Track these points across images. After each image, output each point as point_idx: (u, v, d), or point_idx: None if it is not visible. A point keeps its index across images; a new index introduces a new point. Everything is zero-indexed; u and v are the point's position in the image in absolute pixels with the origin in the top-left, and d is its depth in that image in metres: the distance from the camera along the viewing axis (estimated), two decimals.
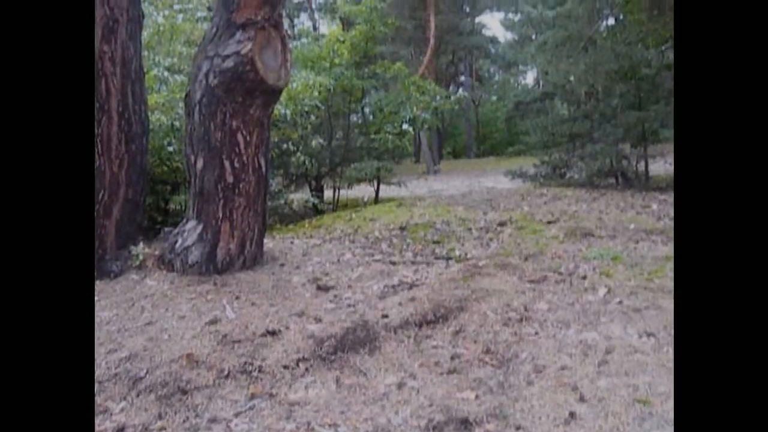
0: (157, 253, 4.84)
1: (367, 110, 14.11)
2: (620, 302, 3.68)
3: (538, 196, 9.32)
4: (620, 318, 3.41)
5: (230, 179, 4.59)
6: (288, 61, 4.47)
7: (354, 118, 13.42)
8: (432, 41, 27.50)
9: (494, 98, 45.44)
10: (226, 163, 4.55)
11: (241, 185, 4.63)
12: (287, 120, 9.28)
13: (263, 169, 4.76)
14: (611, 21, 19.59)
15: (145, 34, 7.53)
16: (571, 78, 13.18)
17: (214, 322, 3.60)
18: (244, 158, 4.59)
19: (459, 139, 42.65)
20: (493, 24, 69.24)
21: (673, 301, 3.52)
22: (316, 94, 9.90)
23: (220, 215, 4.65)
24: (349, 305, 3.91)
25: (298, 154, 9.92)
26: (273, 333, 3.38)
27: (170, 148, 7.36)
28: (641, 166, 11.65)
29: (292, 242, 6.21)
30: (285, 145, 9.78)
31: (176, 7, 10.90)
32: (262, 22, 4.30)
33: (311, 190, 11.71)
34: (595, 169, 11.09)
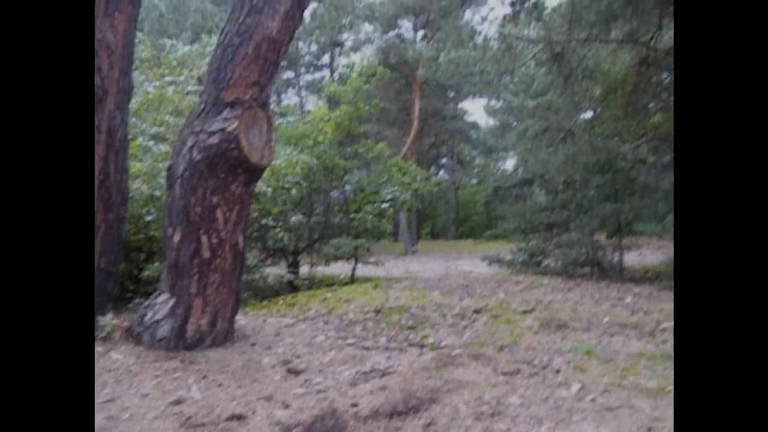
0: (125, 324, 4.71)
1: (348, 188, 14.25)
2: (593, 400, 3.62)
3: (514, 284, 9.34)
4: (593, 417, 3.35)
5: (206, 254, 4.55)
6: (272, 141, 4.54)
7: (335, 193, 13.53)
8: (415, 123, 28.24)
9: (474, 182, 46.32)
10: (204, 238, 4.52)
11: (217, 261, 4.58)
12: (268, 195, 9.33)
13: (240, 246, 4.73)
14: (589, 114, 20.35)
15: (133, 102, 7.64)
16: (550, 167, 13.50)
17: (178, 402, 3.46)
18: (222, 234, 4.56)
19: (438, 220, 43.11)
20: (475, 110, 71.65)
21: (647, 400, 3.49)
22: (298, 171, 10.02)
23: (194, 290, 4.57)
24: (319, 391, 3.80)
25: (277, 229, 9.91)
26: (239, 417, 3.25)
27: (148, 218, 7.32)
28: (616, 257, 11.81)
29: (264, 320, 6.10)
30: (264, 220, 9.78)
31: (167, 78, 11.10)
32: (249, 101, 4.38)
33: (288, 266, 11.64)
34: (571, 258, 11.22)
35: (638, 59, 11.55)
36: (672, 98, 15.37)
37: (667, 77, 13.48)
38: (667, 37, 11.94)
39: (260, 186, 8.37)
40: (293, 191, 10.89)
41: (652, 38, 10.93)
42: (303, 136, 11.98)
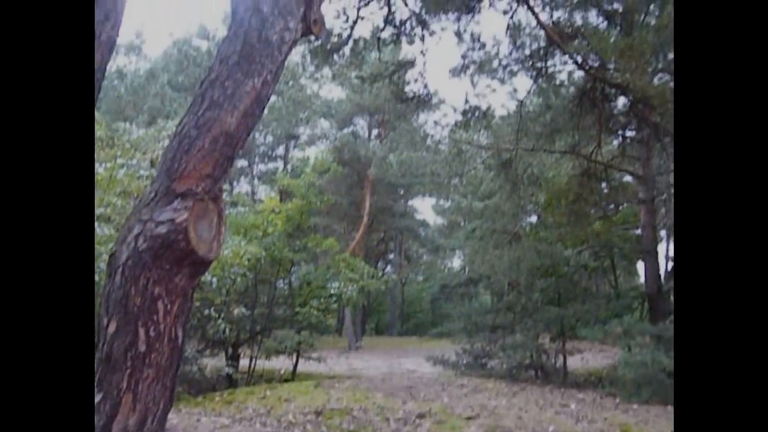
0: None
1: (294, 280, 14.08)
2: None
3: (458, 387, 9.19)
4: None
5: (142, 348, 4.32)
6: (222, 234, 4.46)
7: (281, 284, 13.33)
8: (365, 219, 28.53)
9: (421, 279, 46.55)
10: (141, 331, 4.30)
11: (152, 356, 4.35)
12: (212, 285, 9.10)
13: (179, 340, 4.52)
14: (534, 219, 21.03)
15: None
16: (496, 269, 13.73)
17: None
18: (161, 327, 4.36)
19: (383, 315, 42.73)
20: (424, 208, 72.92)
21: None
22: (245, 261, 9.87)
23: (124, 386, 4.29)
24: None
25: (219, 321, 9.60)
26: None
27: None
28: (560, 361, 11.85)
29: (198, 420, 5.77)
30: (206, 311, 9.49)
31: (119, 161, 10.98)
32: (201, 194, 4.34)
33: (227, 358, 11.19)
34: (516, 361, 11.21)
35: (580, 170, 12.14)
36: (610, 207, 16.09)
37: (606, 188, 14.16)
38: (606, 151, 12.64)
39: (205, 276, 8.17)
40: (238, 281, 10.67)
41: (592, 152, 11.56)
42: (253, 227, 11.89)
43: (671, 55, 12.08)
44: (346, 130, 31.41)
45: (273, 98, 27.99)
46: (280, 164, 35.20)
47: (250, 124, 4.69)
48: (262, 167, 36.99)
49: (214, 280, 8.88)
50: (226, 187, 7.31)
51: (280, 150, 36.26)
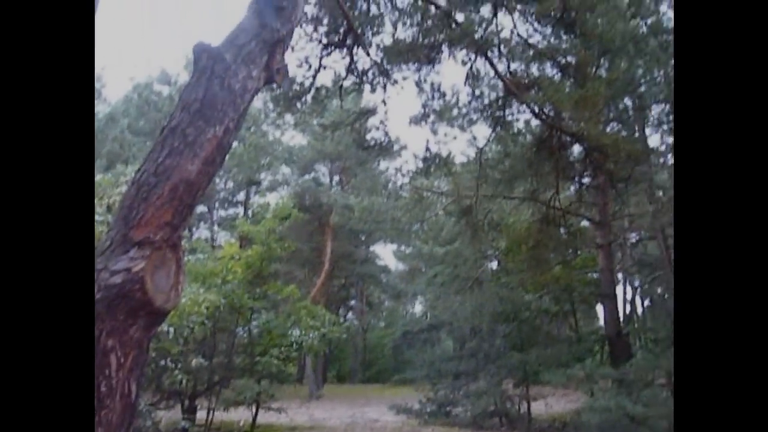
0: None
1: (254, 328, 13.79)
2: None
3: None
4: None
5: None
6: (180, 283, 4.34)
7: (241, 332, 13.03)
8: (326, 265, 28.36)
9: (382, 324, 46.18)
10: None
11: (103, 413, 4.14)
12: (169, 335, 8.84)
13: (133, 395, 4.33)
14: (495, 264, 21.19)
15: None
16: (458, 315, 13.73)
17: None
18: (113, 382, 4.18)
19: (345, 362, 42.11)
20: (386, 254, 72.73)
21: None
22: (203, 310, 9.64)
23: None
24: None
25: (176, 371, 9.29)
26: None
27: None
28: (524, 407, 11.80)
29: None
30: (163, 361, 9.18)
31: None
32: (159, 242, 4.23)
33: (183, 411, 10.79)
34: (480, 408, 11.12)
35: (539, 216, 12.35)
36: (569, 252, 16.36)
37: (565, 234, 14.41)
38: (563, 197, 12.91)
39: (162, 325, 7.93)
40: (197, 330, 10.38)
41: (551, 198, 11.79)
42: (212, 274, 11.67)
43: (622, 105, 12.55)
44: (307, 177, 31.47)
45: (234, 144, 27.90)
46: (240, 210, 34.92)
47: (211, 171, 4.64)
48: (222, 213, 36.62)
49: (171, 329, 8.63)
50: (185, 233, 7.19)
51: (241, 196, 36.03)
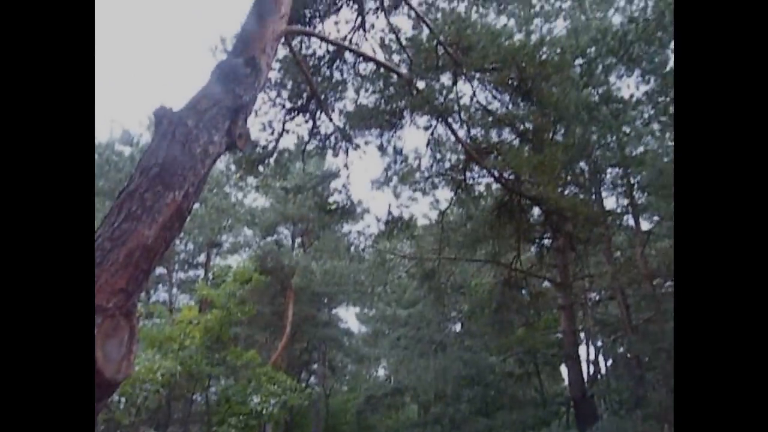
0: None
1: (212, 395, 13.31)
2: None
3: None
4: None
5: None
6: (133, 353, 4.18)
7: (198, 399, 12.56)
8: (288, 329, 27.77)
9: (345, 389, 45.07)
10: None
11: None
12: (120, 406, 8.45)
13: None
14: (459, 327, 21.10)
15: None
16: (422, 380, 13.53)
17: None
18: None
19: (307, 429, 40.73)
20: (349, 317, 71.67)
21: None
22: (158, 377, 9.28)
23: None
24: None
25: None
26: None
27: None
28: None
29: None
30: None
31: None
32: (113, 309, 4.09)
33: None
34: None
35: (501, 279, 12.44)
36: (532, 313, 16.41)
37: (527, 295, 14.51)
38: (525, 259, 13.07)
39: (113, 396, 7.58)
40: (150, 399, 9.96)
41: (513, 261, 11.92)
42: (169, 339, 11.31)
43: (578, 169, 12.93)
44: (269, 239, 31.19)
45: (196, 206, 27.64)
46: (201, 272, 34.24)
47: (169, 237, 4.55)
48: (181, 275, 35.81)
49: (123, 399, 8.25)
50: (142, 296, 6.97)
51: (202, 257, 35.39)
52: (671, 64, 11.76)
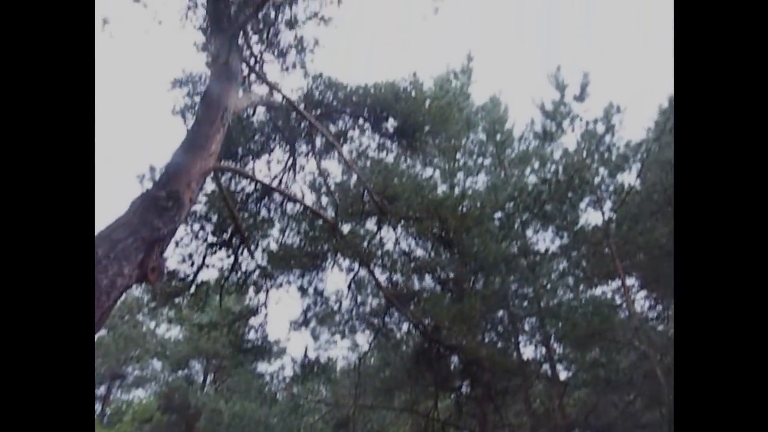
0: None
1: None
2: None
3: None
4: None
5: None
6: None
7: None
8: None
9: None
10: None
11: None
12: None
13: None
14: None
15: None
16: None
17: None
18: None
19: None
20: None
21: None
22: None
23: None
24: None
25: None
26: None
27: None
28: None
29: None
30: None
31: None
32: None
33: None
34: None
35: (419, 428, 12.04)
36: None
37: None
38: (443, 407, 12.78)
39: None
40: None
41: (431, 410, 11.62)
42: None
43: (497, 319, 13.13)
44: (180, 373, 29.43)
45: (102, 333, 26.04)
46: (98, 407, 31.56)
47: None
48: None
49: None
50: None
51: (102, 390, 32.81)
52: (582, 221, 12.55)
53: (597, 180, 12.06)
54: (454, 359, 11.12)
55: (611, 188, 12.14)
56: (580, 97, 12.10)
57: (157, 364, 30.88)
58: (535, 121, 13.25)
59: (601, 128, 12.10)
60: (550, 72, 12.75)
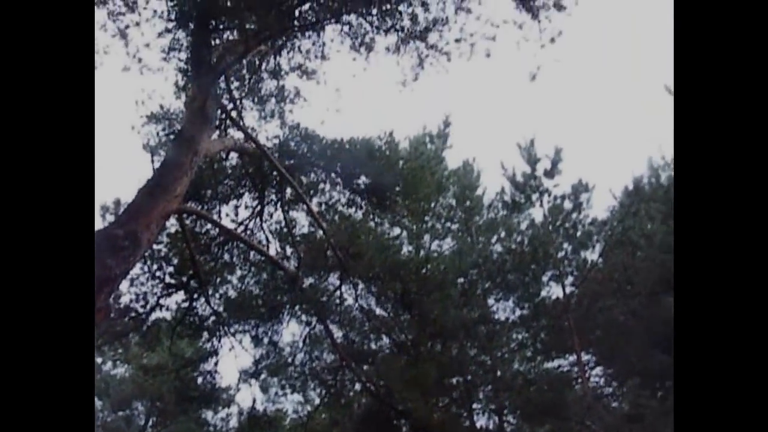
0: None
1: None
2: None
3: None
4: None
5: None
6: None
7: None
8: None
9: None
10: None
11: None
12: None
13: None
14: None
15: None
16: None
17: None
18: None
19: None
20: None
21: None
22: None
23: None
24: None
25: None
26: None
27: None
28: None
29: None
30: None
31: None
32: None
33: None
34: None
35: None
36: None
37: None
38: None
39: None
40: None
41: None
42: None
43: (451, 385, 12.98)
44: (120, 413, 28.25)
45: None
46: None
47: None
48: None
49: None
50: None
51: None
52: (543, 294, 12.61)
53: (561, 254, 12.20)
54: (405, 424, 10.89)
55: (574, 264, 12.28)
56: (551, 173, 12.37)
57: (97, 403, 29.64)
58: (505, 190, 13.44)
59: (568, 205, 12.33)
60: (524, 144, 13.03)
